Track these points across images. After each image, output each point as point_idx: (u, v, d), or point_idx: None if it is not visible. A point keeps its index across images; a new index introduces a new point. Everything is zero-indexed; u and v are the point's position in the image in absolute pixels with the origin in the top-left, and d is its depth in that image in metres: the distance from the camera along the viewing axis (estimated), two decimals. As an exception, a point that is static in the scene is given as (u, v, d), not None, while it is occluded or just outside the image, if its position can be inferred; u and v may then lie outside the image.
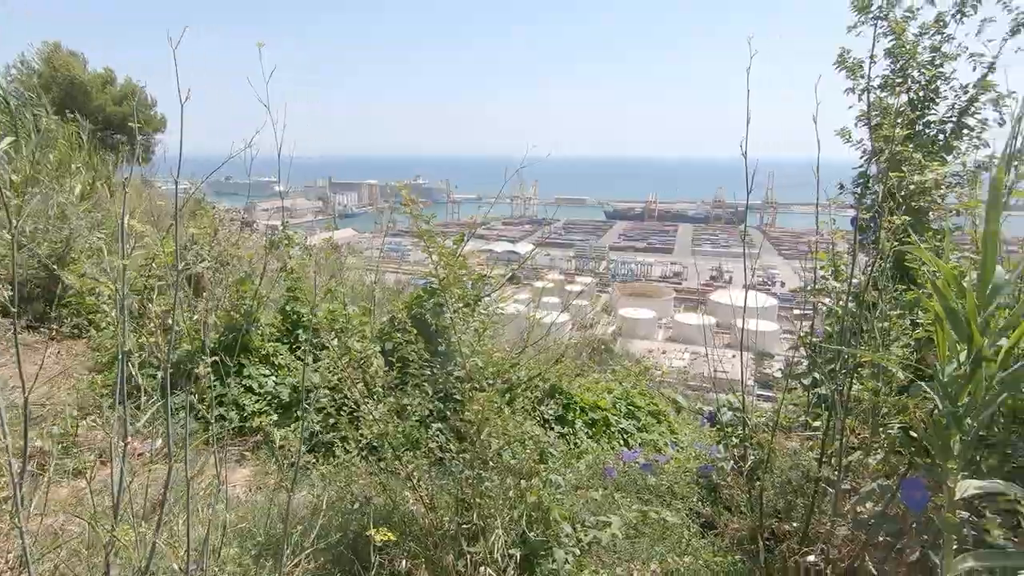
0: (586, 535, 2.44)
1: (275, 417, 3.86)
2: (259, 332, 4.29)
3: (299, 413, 3.78)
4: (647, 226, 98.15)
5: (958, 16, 3.45)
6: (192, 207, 7.64)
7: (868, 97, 3.68)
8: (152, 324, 1.55)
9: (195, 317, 4.09)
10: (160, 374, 1.67)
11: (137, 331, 3.70)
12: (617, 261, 64.77)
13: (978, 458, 1.99)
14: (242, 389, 3.98)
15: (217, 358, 2.96)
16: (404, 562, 2.23)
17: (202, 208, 6.74)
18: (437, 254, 2.31)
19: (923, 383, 2.13)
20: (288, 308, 4.56)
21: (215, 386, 3.76)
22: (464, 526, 2.36)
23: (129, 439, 1.76)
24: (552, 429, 4.35)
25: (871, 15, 3.46)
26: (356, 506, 2.58)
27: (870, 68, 3.27)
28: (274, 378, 4.13)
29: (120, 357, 1.48)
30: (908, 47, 3.43)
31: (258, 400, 3.97)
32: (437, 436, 2.75)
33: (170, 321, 2.96)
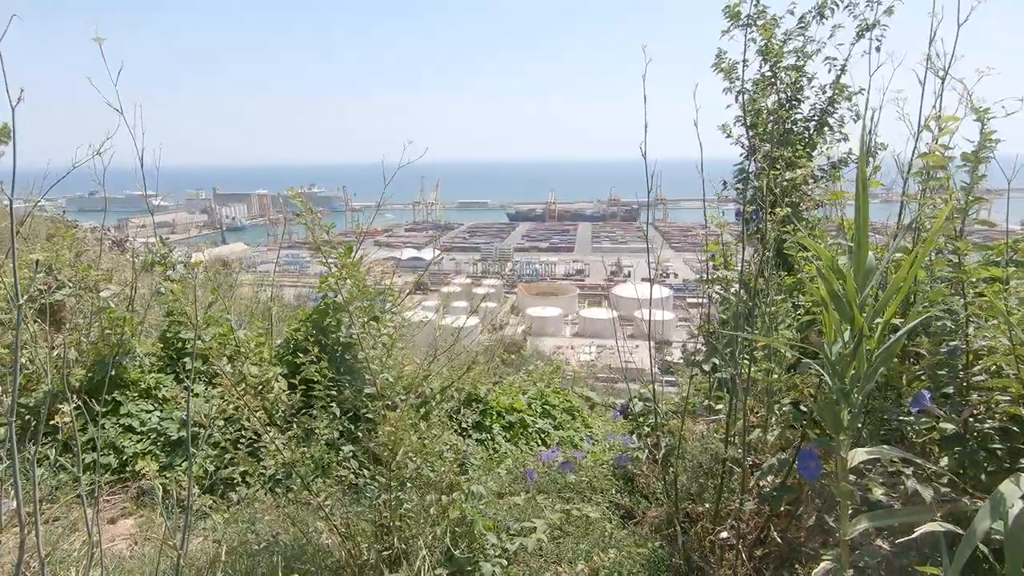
0: (512, 543, 2.40)
1: (162, 457, 3.46)
2: (136, 363, 3.84)
3: (193, 450, 3.42)
4: (548, 226, 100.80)
5: (818, 18, 3.82)
6: (47, 227, 6.73)
7: (743, 99, 3.95)
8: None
9: (55, 353, 3.58)
10: (4, 425, 1.41)
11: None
12: (522, 262, 65.95)
13: (859, 426, 2.18)
14: (120, 429, 3.54)
15: (85, 398, 2.59)
16: (320, 602, 2.06)
17: (60, 227, 5.95)
18: (337, 266, 2.16)
19: (810, 360, 2.31)
20: (170, 334, 4.13)
21: (86, 429, 3.31)
22: (384, 552, 2.23)
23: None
24: (470, 436, 4.28)
25: (741, 22, 3.74)
26: (263, 546, 2.36)
27: (743, 71, 3.50)
28: (158, 413, 3.70)
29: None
30: (776, 50, 3.75)
31: (140, 439, 3.54)
32: (349, 460, 2.59)
33: (15, 360, 2.56)
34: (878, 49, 3.38)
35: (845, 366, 1.56)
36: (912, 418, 2.08)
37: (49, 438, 3.33)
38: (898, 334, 1.54)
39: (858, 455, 1.68)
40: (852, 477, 2.06)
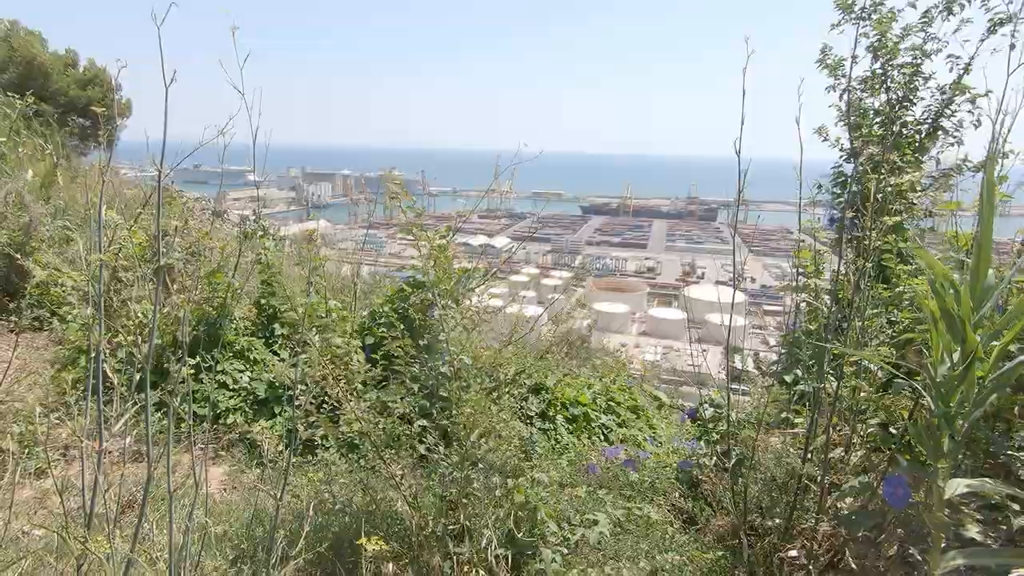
0: (574, 534, 2.43)
1: (250, 414, 3.75)
2: (233, 326, 4.16)
3: (277, 410, 3.68)
4: (622, 221, 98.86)
5: (945, 13, 3.47)
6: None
7: (848, 97, 3.71)
8: (130, 324, 1.47)
9: (165, 310, 3.94)
10: (136, 373, 1.59)
11: (108, 326, 3.54)
12: (592, 256, 65.21)
13: (960, 456, 2.03)
14: (216, 384, 3.86)
15: (191, 353, 2.83)
16: (390, 565, 2.18)
17: (171, 196, 6.50)
18: (427, 249, 2.25)
19: (904, 380, 2.16)
20: (264, 302, 4.43)
21: (185, 381, 3.63)
22: (450, 527, 2.32)
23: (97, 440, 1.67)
24: (534, 425, 4.33)
25: (854, 15, 3.49)
26: (337, 507, 2.51)
27: (851, 68, 3.28)
28: (249, 373, 4.00)
29: (96, 356, 1.39)
30: (890, 46, 3.47)
31: (232, 396, 3.85)
32: (421, 434, 2.70)
33: (140, 314, 2.84)
34: (1012, 47, 3.07)
35: (951, 389, 1.46)
36: (1023, 453, 1.91)
37: (158, 389, 3.68)
38: (1017, 360, 1.42)
39: (956, 486, 1.57)
40: (946, 511, 1.93)
